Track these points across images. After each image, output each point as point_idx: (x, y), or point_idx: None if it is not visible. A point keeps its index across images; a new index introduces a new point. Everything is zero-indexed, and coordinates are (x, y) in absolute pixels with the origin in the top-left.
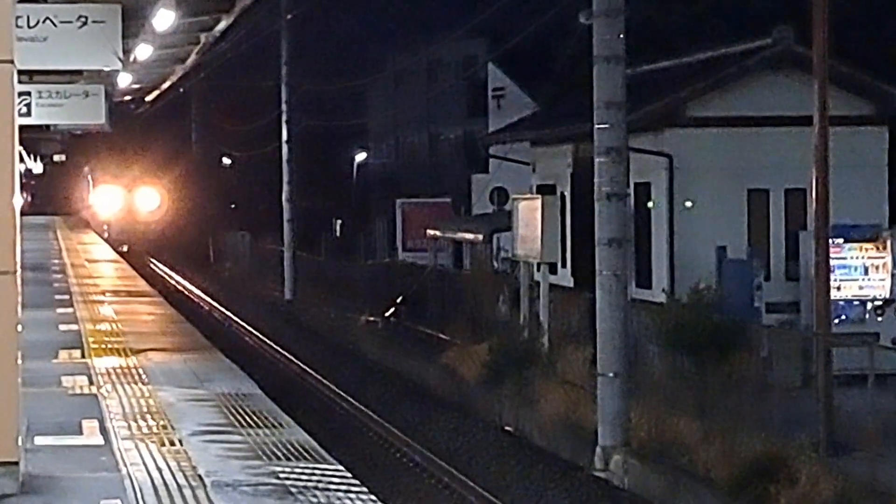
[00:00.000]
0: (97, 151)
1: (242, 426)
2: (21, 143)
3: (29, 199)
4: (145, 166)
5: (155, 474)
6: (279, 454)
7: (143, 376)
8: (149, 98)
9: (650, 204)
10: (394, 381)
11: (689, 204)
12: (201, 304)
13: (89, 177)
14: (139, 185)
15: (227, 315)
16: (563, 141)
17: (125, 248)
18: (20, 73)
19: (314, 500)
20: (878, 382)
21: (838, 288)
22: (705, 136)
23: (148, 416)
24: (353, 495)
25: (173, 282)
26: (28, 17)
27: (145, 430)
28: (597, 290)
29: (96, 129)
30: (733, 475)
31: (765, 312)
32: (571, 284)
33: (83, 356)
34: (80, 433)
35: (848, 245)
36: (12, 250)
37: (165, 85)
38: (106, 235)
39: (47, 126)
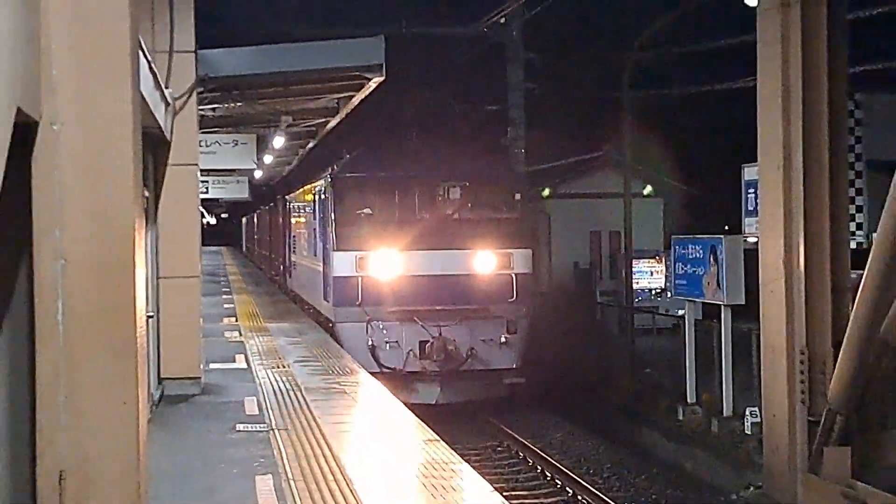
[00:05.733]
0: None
1: (321, 358)
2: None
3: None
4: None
5: (274, 383)
6: (340, 372)
7: (268, 332)
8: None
9: None
10: None
11: None
12: None
13: (334, 208)
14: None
15: None
16: None
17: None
18: (201, 171)
19: (358, 395)
20: (658, 333)
21: (637, 282)
22: (569, 203)
23: (269, 353)
24: (375, 394)
25: None
26: (206, 141)
27: (268, 360)
28: None
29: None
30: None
31: (599, 296)
32: None
33: (236, 320)
34: (234, 362)
35: (642, 260)
36: (198, 265)
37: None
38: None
39: (216, 199)
